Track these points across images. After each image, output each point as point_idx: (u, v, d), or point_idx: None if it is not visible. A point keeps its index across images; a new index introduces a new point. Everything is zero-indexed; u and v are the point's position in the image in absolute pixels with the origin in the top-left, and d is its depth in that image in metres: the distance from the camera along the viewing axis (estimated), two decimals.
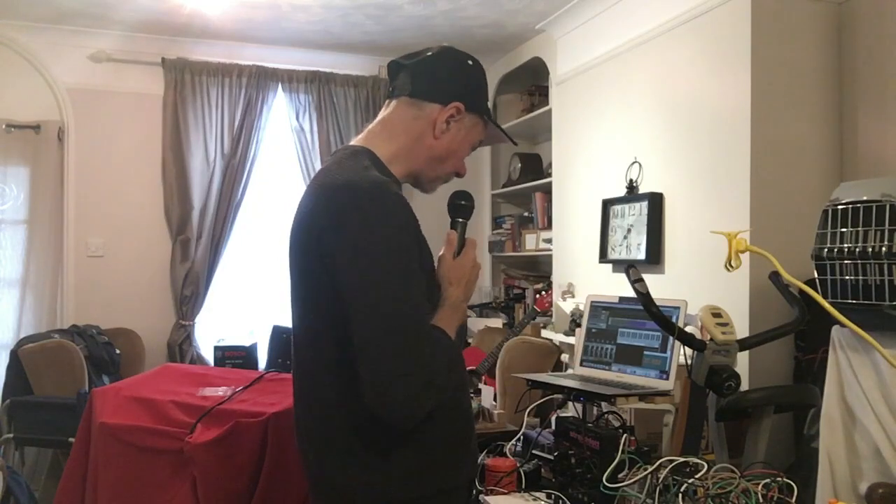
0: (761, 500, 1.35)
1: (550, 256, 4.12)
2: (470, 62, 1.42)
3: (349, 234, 1.17)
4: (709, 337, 1.74)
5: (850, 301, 1.89)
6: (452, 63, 1.41)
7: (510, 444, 2.14)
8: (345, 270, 1.17)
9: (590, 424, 1.87)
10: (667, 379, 2.10)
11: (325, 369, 1.27)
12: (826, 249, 1.96)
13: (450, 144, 1.38)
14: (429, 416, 1.21)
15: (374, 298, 1.15)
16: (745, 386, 2.30)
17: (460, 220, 1.41)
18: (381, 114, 1.42)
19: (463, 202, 1.42)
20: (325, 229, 1.20)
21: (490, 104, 5.08)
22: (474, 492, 1.83)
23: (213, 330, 4.57)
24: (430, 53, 1.40)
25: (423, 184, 1.43)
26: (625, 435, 1.69)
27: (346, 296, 1.17)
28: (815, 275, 1.99)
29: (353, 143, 1.41)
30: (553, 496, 1.77)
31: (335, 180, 1.24)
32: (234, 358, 3.90)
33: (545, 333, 3.89)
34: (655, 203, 3.13)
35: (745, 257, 1.61)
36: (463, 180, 1.43)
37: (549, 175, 4.21)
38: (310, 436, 1.33)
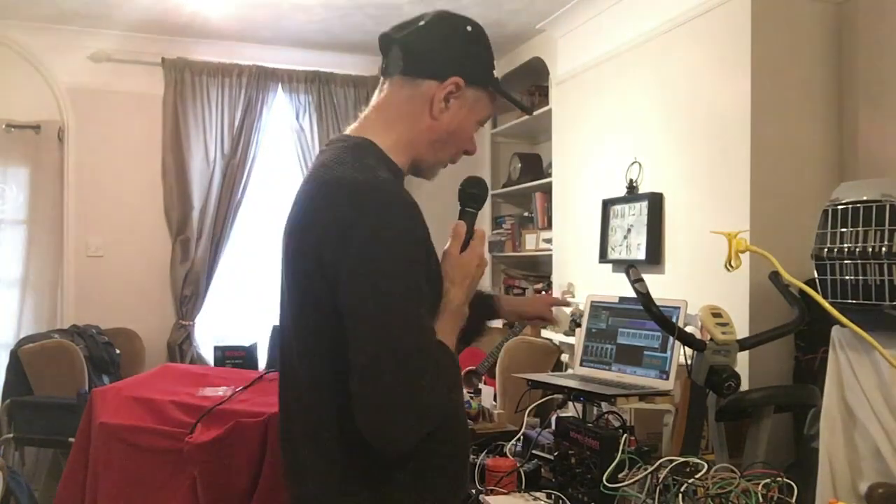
0: (761, 500, 1.34)
1: (550, 256, 4.12)
2: (469, 28, 1.26)
3: (354, 249, 1.04)
4: (709, 337, 1.74)
5: (850, 301, 1.89)
6: (448, 31, 1.25)
7: (510, 444, 2.13)
8: (346, 287, 1.06)
9: (590, 424, 1.87)
10: (667, 379, 2.09)
11: (316, 386, 1.16)
12: (826, 249, 1.96)
13: (450, 124, 1.24)
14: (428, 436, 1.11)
15: (377, 322, 1.03)
16: (745, 386, 2.30)
17: (469, 209, 1.28)
18: (375, 97, 1.27)
19: (475, 191, 1.28)
20: (327, 240, 1.08)
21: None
22: (474, 492, 1.83)
23: (213, 330, 4.58)
24: (422, 23, 1.24)
25: (424, 171, 1.29)
26: (625, 435, 1.69)
27: (347, 314, 1.06)
28: (815, 275, 1.99)
29: (349, 131, 1.26)
30: (553, 496, 1.77)
31: (338, 179, 1.11)
32: (234, 358, 3.90)
33: (545, 333, 3.89)
34: (655, 203, 3.13)
35: (745, 257, 1.61)
36: (468, 171, 1.33)
37: (549, 175, 4.21)
38: (294, 454, 1.22)
